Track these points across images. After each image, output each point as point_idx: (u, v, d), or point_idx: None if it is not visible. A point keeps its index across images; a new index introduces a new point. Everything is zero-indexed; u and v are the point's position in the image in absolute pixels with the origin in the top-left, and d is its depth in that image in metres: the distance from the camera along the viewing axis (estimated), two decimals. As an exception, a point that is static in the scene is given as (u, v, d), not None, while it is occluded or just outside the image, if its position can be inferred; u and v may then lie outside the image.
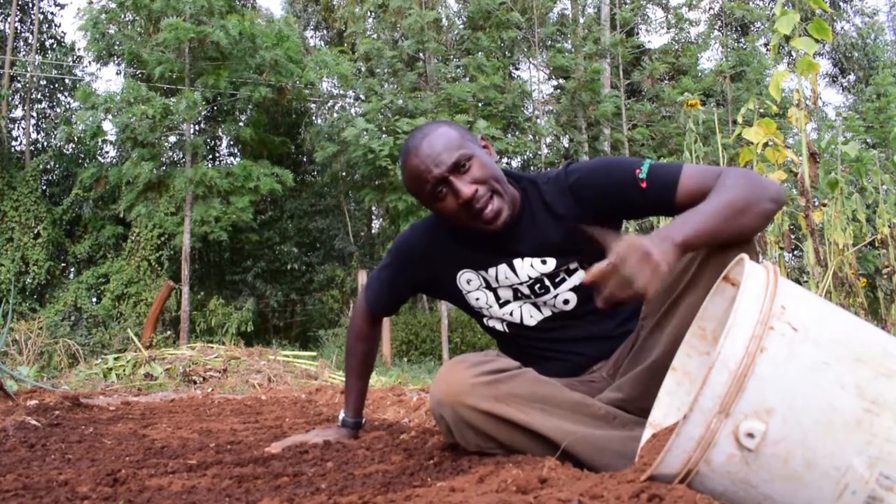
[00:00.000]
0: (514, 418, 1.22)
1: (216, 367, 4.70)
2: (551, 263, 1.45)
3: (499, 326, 1.55)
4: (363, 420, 1.80)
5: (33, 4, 14.48)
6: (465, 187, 1.36)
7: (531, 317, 1.50)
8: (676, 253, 1.09)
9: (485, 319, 1.57)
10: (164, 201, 11.85)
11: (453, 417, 1.25)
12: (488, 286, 1.52)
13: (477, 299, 1.54)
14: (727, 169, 1.28)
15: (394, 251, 1.63)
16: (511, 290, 1.50)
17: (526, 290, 1.48)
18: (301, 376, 4.78)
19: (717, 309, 1.10)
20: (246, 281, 13.32)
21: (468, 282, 1.54)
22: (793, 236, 3.23)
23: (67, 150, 13.97)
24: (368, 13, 14.70)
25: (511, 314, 1.52)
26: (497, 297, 1.52)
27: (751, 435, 0.79)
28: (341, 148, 11.93)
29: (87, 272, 12.29)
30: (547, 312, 1.49)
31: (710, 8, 15.94)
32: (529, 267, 1.46)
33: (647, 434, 1.09)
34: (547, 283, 1.46)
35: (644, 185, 1.35)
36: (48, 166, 13.74)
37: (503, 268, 1.48)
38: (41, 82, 14.69)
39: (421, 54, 13.68)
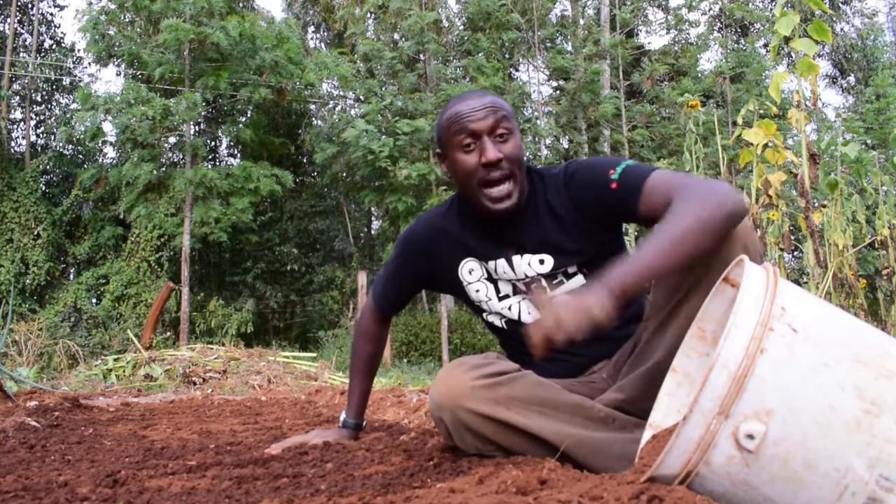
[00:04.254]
0: (513, 421, 1.22)
1: (216, 368, 4.70)
2: (549, 263, 1.44)
3: (498, 322, 1.55)
4: (364, 422, 1.80)
5: (33, 5, 14.49)
6: (493, 151, 1.37)
7: (529, 313, 1.50)
8: (613, 301, 1.06)
9: (484, 314, 1.58)
10: (163, 202, 11.85)
11: (452, 420, 1.25)
12: (490, 277, 1.53)
13: (477, 291, 1.54)
14: (688, 183, 1.24)
15: (400, 243, 1.64)
16: (510, 284, 1.51)
17: (523, 288, 1.49)
18: (301, 377, 4.77)
19: (716, 310, 1.10)
20: (246, 282, 13.31)
21: (470, 272, 1.54)
22: (793, 237, 3.23)
23: (67, 151, 13.98)
24: (368, 14, 14.70)
25: (510, 309, 1.52)
26: (497, 290, 1.52)
27: (750, 436, 0.79)
28: (341, 149, 11.93)
29: (86, 273, 12.28)
30: None
31: (710, 9, 15.95)
32: (527, 265, 1.46)
33: (646, 435, 1.09)
34: (543, 283, 1.46)
35: (614, 185, 1.34)
36: (48, 167, 13.73)
37: (502, 262, 1.48)
38: (41, 83, 14.69)
39: (421, 55, 13.68)
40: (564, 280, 1.45)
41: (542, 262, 1.45)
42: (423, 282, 1.67)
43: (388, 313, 1.73)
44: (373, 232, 16.20)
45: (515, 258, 1.46)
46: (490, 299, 1.53)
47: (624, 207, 1.33)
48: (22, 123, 14.53)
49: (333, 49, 14.70)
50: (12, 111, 14.38)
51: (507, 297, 1.52)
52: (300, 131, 14.78)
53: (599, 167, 1.39)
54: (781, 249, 3.14)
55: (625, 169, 1.33)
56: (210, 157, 14.92)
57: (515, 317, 1.52)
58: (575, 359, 1.48)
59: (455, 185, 1.51)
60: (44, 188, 13.46)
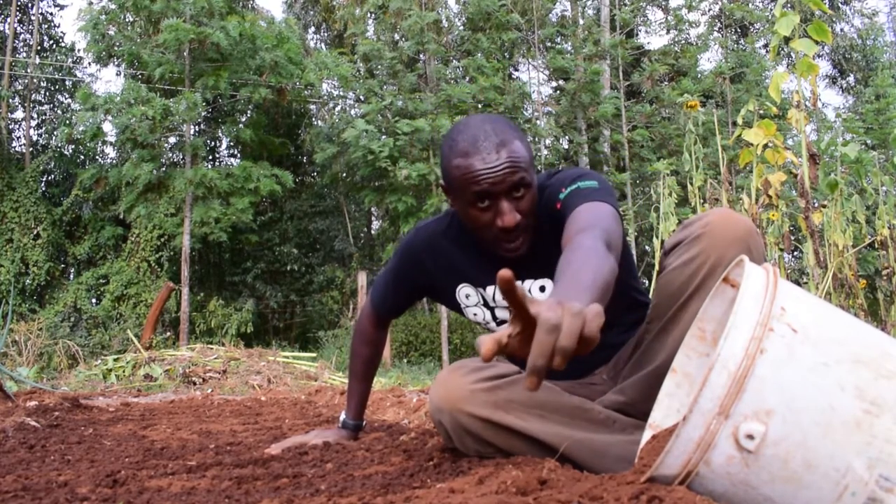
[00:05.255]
0: (512, 425, 1.22)
1: (216, 368, 4.70)
2: (550, 290, 1.39)
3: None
4: (364, 422, 1.79)
5: (33, 5, 14.49)
6: (510, 215, 1.28)
7: None
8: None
9: (482, 329, 1.57)
10: (163, 202, 11.85)
11: (452, 424, 1.25)
12: (486, 304, 1.50)
13: (475, 315, 1.53)
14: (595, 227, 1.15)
15: (399, 253, 1.60)
16: (508, 311, 1.47)
17: None
18: (301, 377, 4.78)
19: (716, 310, 1.10)
20: (246, 282, 13.32)
21: (467, 296, 1.52)
22: (793, 238, 3.23)
23: (67, 151, 13.98)
24: (368, 14, 14.71)
25: None
26: (494, 317, 1.50)
27: (750, 436, 0.79)
28: (341, 149, 11.93)
29: (86, 273, 12.28)
30: None
31: (709, 9, 15.95)
32: (527, 292, 1.41)
33: (646, 435, 1.09)
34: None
35: (559, 205, 1.30)
36: (48, 167, 13.74)
37: None
38: (41, 83, 14.69)
39: (421, 55, 13.69)
40: None
41: (542, 288, 1.41)
42: (422, 292, 1.64)
43: (386, 319, 1.71)
44: (373, 232, 16.20)
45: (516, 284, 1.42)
46: (488, 323, 1.51)
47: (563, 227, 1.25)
48: (22, 123, 14.54)
49: (333, 49, 14.70)
50: (13, 111, 14.39)
51: (504, 322, 1.48)
52: (300, 131, 14.78)
53: (559, 184, 1.33)
54: (781, 250, 3.14)
55: (573, 190, 1.29)
56: (210, 157, 14.92)
57: None
58: (574, 365, 1.46)
59: (462, 221, 1.42)
60: (44, 188, 13.46)
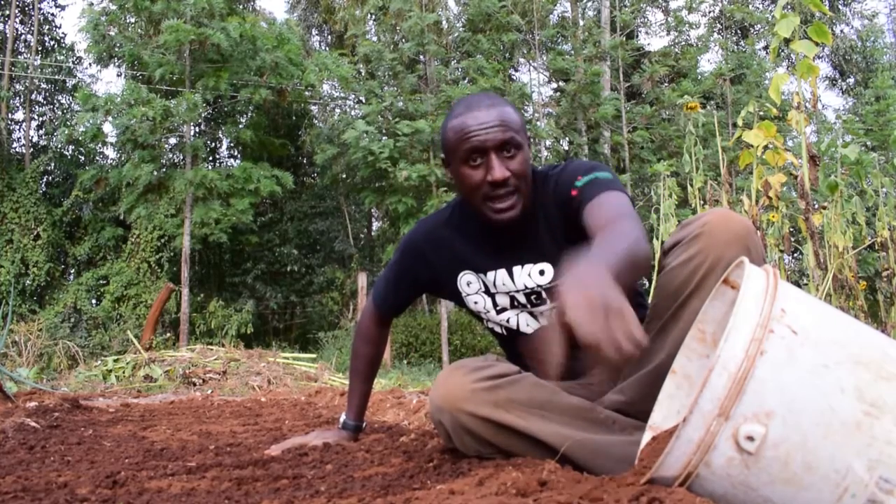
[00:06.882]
0: (513, 424, 1.22)
1: (216, 368, 4.70)
2: (549, 274, 1.41)
3: (498, 329, 1.55)
4: (364, 424, 1.79)
5: (33, 5, 14.49)
6: (500, 170, 1.34)
7: (528, 325, 1.49)
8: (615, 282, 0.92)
9: (485, 322, 1.57)
10: (164, 203, 11.85)
11: (452, 423, 1.25)
12: (487, 291, 1.51)
13: (475, 303, 1.53)
14: (629, 218, 1.20)
15: (401, 248, 1.62)
16: (508, 297, 1.48)
17: (522, 299, 1.46)
18: (301, 378, 4.78)
19: (716, 312, 1.10)
20: (246, 283, 13.31)
21: (468, 284, 1.53)
22: (793, 239, 3.23)
23: (67, 151, 13.98)
24: (369, 15, 14.71)
25: (508, 321, 1.51)
26: (494, 304, 1.51)
27: (750, 438, 0.79)
28: (341, 150, 11.94)
29: (86, 274, 12.29)
30: (544, 321, 1.47)
31: (710, 11, 15.96)
32: (527, 276, 1.43)
33: (646, 437, 1.09)
34: (544, 295, 1.44)
35: (574, 192, 1.34)
36: (48, 168, 13.74)
37: (502, 273, 1.46)
38: (42, 84, 14.70)
39: (421, 56, 13.68)
40: None
41: (542, 272, 1.42)
42: (424, 287, 1.66)
43: (388, 317, 1.72)
44: (373, 233, 16.19)
45: (516, 269, 1.44)
46: (488, 311, 1.52)
47: (577, 215, 1.32)
48: (23, 124, 14.54)
49: (334, 50, 14.71)
50: (13, 112, 14.39)
51: (504, 309, 1.50)
52: (300, 132, 14.78)
53: (573, 171, 1.39)
54: (781, 251, 3.14)
55: (591, 180, 1.33)
56: (210, 158, 14.92)
57: (514, 327, 1.51)
58: (574, 363, 1.47)
59: (456, 188, 1.48)
60: (44, 189, 13.46)
